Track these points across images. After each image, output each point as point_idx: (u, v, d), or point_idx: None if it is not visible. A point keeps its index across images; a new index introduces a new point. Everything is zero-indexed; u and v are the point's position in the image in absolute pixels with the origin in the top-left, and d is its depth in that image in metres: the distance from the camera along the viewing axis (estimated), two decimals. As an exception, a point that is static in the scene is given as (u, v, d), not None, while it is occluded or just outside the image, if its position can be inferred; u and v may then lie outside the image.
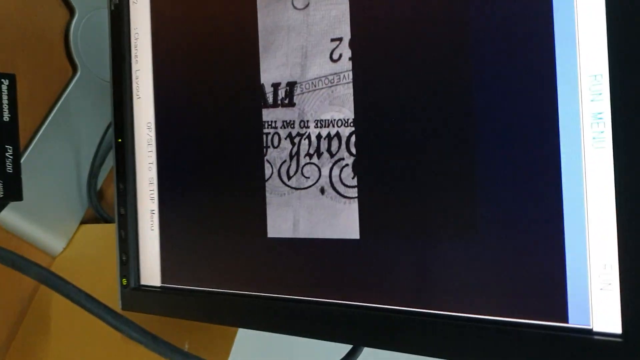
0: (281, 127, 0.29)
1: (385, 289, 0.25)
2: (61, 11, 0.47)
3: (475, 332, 0.22)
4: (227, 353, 0.34)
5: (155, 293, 0.34)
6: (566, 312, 0.21)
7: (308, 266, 0.28)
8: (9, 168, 0.31)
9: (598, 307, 0.20)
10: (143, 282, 0.35)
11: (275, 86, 0.29)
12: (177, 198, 0.33)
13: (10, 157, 0.32)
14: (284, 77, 0.29)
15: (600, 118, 0.20)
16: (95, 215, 0.48)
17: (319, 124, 0.27)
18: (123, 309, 0.35)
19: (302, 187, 0.28)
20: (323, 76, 0.27)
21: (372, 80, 0.26)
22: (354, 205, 0.26)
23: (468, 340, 0.23)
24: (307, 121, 0.28)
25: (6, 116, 0.32)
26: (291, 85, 0.28)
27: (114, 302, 0.35)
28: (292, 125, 0.28)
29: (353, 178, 0.26)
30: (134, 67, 0.35)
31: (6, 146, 0.31)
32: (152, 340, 0.23)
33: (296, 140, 0.28)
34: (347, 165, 0.26)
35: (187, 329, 0.35)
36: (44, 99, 0.45)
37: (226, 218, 0.31)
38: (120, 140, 0.36)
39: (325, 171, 0.27)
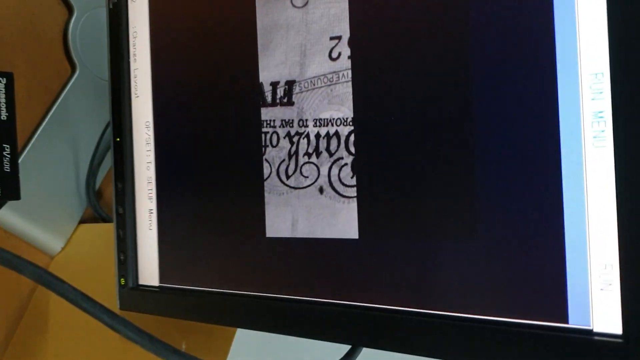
0: (280, 126, 0.29)
1: (385, 289, 0.25)
2: (60, 10, 0.46)
3: (474, 332, 0.22)
4: (226, 353, 0.34)
5: (153, 293, 0.34)
6: (566, 312, 0.21)
7: (307, 266, 0.28)
8: (7, 167, 0.31)
9: (598, 308, 0.20)
10: (141, 282, 0.35)
11: (274, 85, 0.29)
12: (175, 197, 0.33)
13: (8, 156, 0.32)
14: (282, 76, 0.28)
15: (601, 117, 0.20)
16: (94, 215, 0.48)
17: (317, 123, 0.27)
18: (121, 308, 0.35)
19: (300, 186, 0.28)
20: (322, 75, 0.27)
21: (371, 78, 0.25)
22: (353, 204, 0.26)
23: (467, 341, 0.22)
24: (306, 120, 0.28)
25: (3, 115, 0.32)
26: (290, 84, 0.28)
27: (113, 301, 0.35)
28: (290, 124, 0.28)
29: (352, 177, 0.26)
30: (133, 65, 0.35)
31: (3, 145, 0.31)
32: (148, 340, 0.23)
33: (295, 139, 0.28)
34: (346, 164, 0.26)
35: (186, 329, 0.35)
36: (43, 98, 0.45)
37: (225, 218, 0.31)
38: (118, 139, 0.36)
39: (324, 170, 0.27)
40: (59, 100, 0.46)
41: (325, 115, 0.27)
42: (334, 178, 0.27)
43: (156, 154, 0.34)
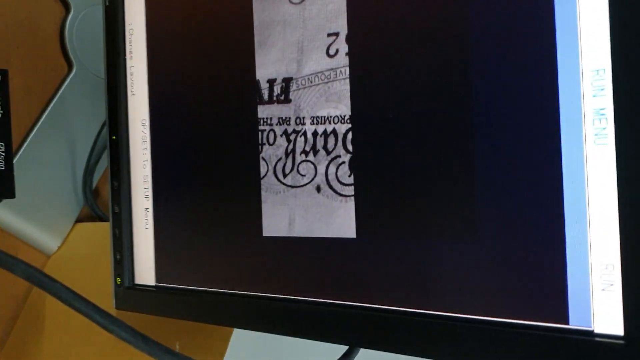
0: (277, 124, 0.28)
1: (383, 289, 0.25)
2: (56, 7, 0.46)
3: (473, 333, 0.22)
4: (222, 354, 0.34)
5: (149, 292, 0.34)
6: (567, 313, 0.20)
7: (304, 265, 0.27)
8: (1, 165, 0.31)
9: (599, 308, 0.20)
10: (137, 281, 0.35)
11: (271, 82, 0.28)
12: (171, 196, 0.33)
13: (3, 153, 0.31)
14: (279, 73, 0.28)
15: (603, 114, 0.19)
16: (91, 214, 0.48)
17: (315, 121, 0.27)
18: (117, 308, 0.35)
19: (297, 185, 0.28)
20: (319, 72, 0.27)
21: (369, 76, 0.25)
22: (351, 203, 0.26)
23: (466, 342, 0.22)
24: (303, 118, 0.27)
25: (-2, 112, 0.31)
26: (287, 81, 0.28)
27: (109, 301, 0.35)
28: (287, 122, 0.28)
29: (349, 176, 0.26)
30: (129, 63, 0.35)
31: (-2, 143, 0.31)
32: (141, 340, 0.23)
33: (292, 137, 0.28)
34: (343, 162, 0.26)
35: (182, 329, 0.35)
36: (39, 96, 0.45)
37: (221, 216, 0.30)
38: (114, 137, 0.35)
39: (321, 169, 0.27)
40: (56, 98, 0.45)
41: (323, 113, 0.27)
42: (331, 176, 0.26)
43: (152, 152, 0.34)
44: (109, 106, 0.36)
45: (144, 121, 0.34)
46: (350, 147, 0.26)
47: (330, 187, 0.26)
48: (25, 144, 0.43)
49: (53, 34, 0.46)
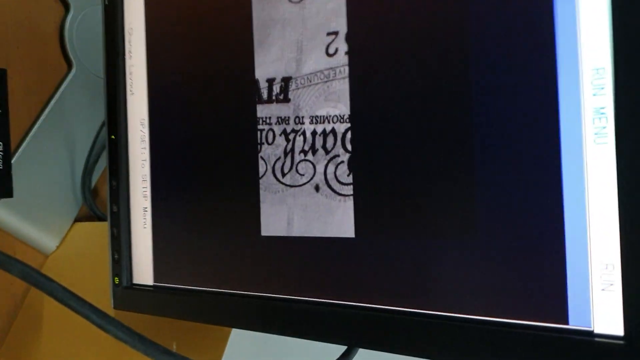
0: (276, 124, 0.28)
1: (382, 289, 0.25)
2: (56, 7, 0.46)
3: (472, 333, 0.22)
4: (221, 354, 0.34)
5: (147, 292, 0.34)
6: (566, 313, 0.20)
7: (302, 265, 0.27)
8: (-1, 164, 0.31)
9: (599, 308, 0.20)
10: (135, 281, 0.35)
11: (270, 81, 0.28)
12: (170, 196, 0.33)
13: (1, 153, 0.31)
14: (278, 72, 0.28)
15: (603, 113, 0.19)
16: (90, 214, 0.48)
17: (314, 120, 0.27)
18: (115, 308, 0.35)
19: (296, 184, 0.27)
20: (318, 71, 0.27)
21: (368, 75, 0.25)
22: (349, 203, 0.26)
23: (465, 342, 0.22)
24: (302, 117, 0.27)
25: (-4, 111, 0.31)
26: (286, 80, 0.28)
27: (107, 300, 0.35)
28: (286, 122, 0.28)
29: (348, 175, 0.26)
30: (128, 62, 0.35)
31: (-4, 142, 0.31)
32: (138, 340, 0.23)
33: (291, 136, 0.28)
34: (342, 162, 0.26)
35: (180, 329, 0.35)
36: (39, 96, 0.45)
37: (219, 216, 0.30)
38: (113, 136, 0.35)
39: (320, 168, 0.27)
40: (55, 98, 0.45)
41: (322, 112, 0.27)
42: (330, 176, 0.26)
43: (151, 152, 0.34)
44: (108, 105, 0.35)
45: (142, 121, 0.34)
46: (349, 147, 0.26)
47: (329, 186, 0.26)
48: (24, 143, 0.43)
49: (53, 34, 0.46)
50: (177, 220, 0.32)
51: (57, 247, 0.46)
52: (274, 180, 0.28)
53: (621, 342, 0.19)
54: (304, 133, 0.27)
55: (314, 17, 0.27)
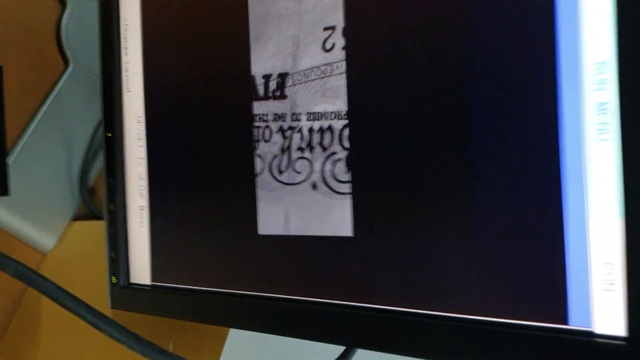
0: (272, 121, 0.28)
1: (380, 289, 0.24)
2: (53, 4, 0.46)
3: (471, 333, 0.22)
4: (218, 354, 0.34)
5: (145, 291, 0.33)
6: (566, 313, 0.20)
7: (300, 264, 0.27)
8: (-6, 162, 0.31)
9: (600, 309, 0.19)
10: (133, 280, 0.34)
11: (267, 78, 0.28)
12: (166, 194, 0.33)
13: (-4, 151, 0.31)
14: (275, 68, 0.28)
15: (605, 108, 0.19)
16: (87, 212, 0.47)
17: (311, 117, 0.26)
18: (112, 307, 0.35)
19: (293, 182, 0.27)
20: (315, 67, 0.26)
21: (366, 70, 0.25)
22: (347, 201, 0.25)
23: (464, 342, 0.22)
24: (299, 114, 0.27)
25: (-10, 109, 0.31)
26: (283, 76, 0.27)
27: (104, 300, 0.35)
28: (283, 119, 0.27)
29: (346, 173, 0.25)
30: (124, 59, 0.35)
31: (-10, 140, 0.31)
32: (134, 340, 0.22)
33: (288, 133, 0.27)
34: (340, 159, 0.25)
35: (178, 328, 0.35)
36: (35, 93, 0.45)
37: (216, 215, 0.30)
38: (109, 134, 0.35)
39: (317, 166, 0.26)
40: (52, 96, 0.45)
41: (319, 108, 0.26)
42: (328, 174, 0.26)
43: (147, 150, 0.33)
44: (104, 103, 0.35)
45: (139, 118, 0.34)
46: (346, 144, 0.25)
47: (327, 184, 0.26)
48: (22, 142, 0.43)
49: (49, 31, 0.46)
50: (174, 219, 0.32)
51: (55, 246, 0.46)
52: (271, 178, 0.28)
53: (623, 342, 0.19)
54: (300, 130, 0.27)
55: (311, 12, 0.26)
